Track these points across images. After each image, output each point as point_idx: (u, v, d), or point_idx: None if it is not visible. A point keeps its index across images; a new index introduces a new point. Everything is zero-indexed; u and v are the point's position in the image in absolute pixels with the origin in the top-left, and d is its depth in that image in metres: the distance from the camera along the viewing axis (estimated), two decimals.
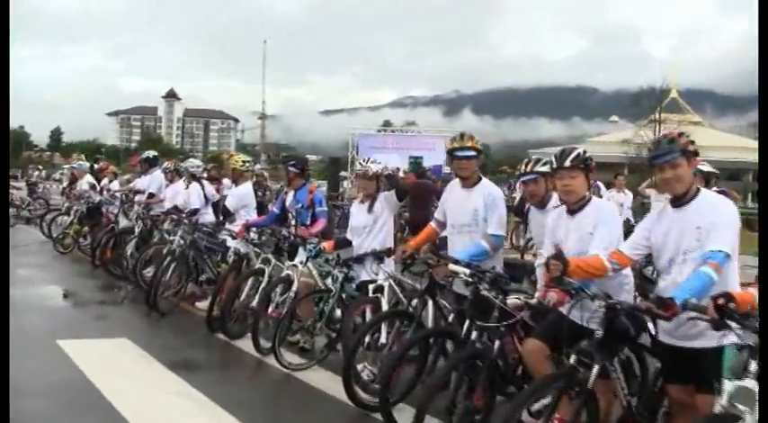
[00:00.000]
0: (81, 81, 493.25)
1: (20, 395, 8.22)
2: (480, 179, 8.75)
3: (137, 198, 18.22)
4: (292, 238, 11.10)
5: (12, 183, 43.43)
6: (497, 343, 7.03)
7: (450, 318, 8.34)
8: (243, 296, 11.38)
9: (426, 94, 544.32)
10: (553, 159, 7.07)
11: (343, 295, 10.05)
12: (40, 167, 52.55)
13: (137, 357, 10.45)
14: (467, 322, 7.42)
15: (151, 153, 19.35)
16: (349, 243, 10.26)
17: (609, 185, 23.33)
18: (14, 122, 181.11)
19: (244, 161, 13.92)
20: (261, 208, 17.06)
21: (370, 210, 9.95)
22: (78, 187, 22.73)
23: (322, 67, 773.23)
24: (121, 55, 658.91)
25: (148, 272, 15.00)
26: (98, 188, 21.51)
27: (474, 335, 7.31)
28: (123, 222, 18.30)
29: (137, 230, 16.71)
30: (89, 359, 10.03)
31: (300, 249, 10.80)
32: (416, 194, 18.56)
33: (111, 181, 21.92)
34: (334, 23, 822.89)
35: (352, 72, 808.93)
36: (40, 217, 26.31)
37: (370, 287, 9.50)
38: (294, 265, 10.67)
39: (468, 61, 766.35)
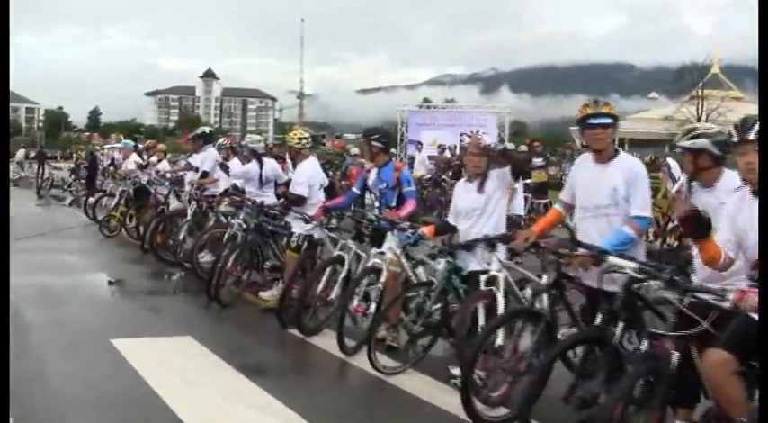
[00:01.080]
0: (118, 62, 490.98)
1: (72, 408, 7.21)
2: (617, 152, 7.29)
3: (188, 177, 16.92)
4: (379, 222, 9.74)
5: (54, 164, 42.85)
6: (676, 355, 5.58)
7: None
8: (320, 288, 10.06)
9: (464, 73, 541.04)
10: (733, 131, 5.64)
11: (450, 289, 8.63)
12: (81, 147, 51.54)
13: (203, 359, 9.13)
14: (619, 326, 6.00)
15: (206, 129, 17.99)
16: (452, 228, 8.82)
17: (650, 165, 21.93)
18: (53, 103, 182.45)
19: (300, 137, 12.22)
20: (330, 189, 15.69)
21: (480, 190, 8.43)
22: (124, 167, 21.54)
23: (357, 46, 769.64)
24: (158, 35, 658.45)
25: (204, 258, 13.95)
26: (145, 168, 20.27)
27: (627, 341, 6.00)
28: (174, 204, 17.01)
29: (189, 213, 15.43)
30: (149, 362, 8.74)
31: (389, 235, 9.48)
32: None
33: (159, 160, 20.58)
34: (368, 3, 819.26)
35: (388, 51, 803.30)
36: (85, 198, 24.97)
37: (482, 278, 8.04)
38: (381, 253, 9.37)
39: (505, 39, 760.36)
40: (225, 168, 14.55)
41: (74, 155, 45.64)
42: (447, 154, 31.44)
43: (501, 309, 7.79)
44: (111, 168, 25.41)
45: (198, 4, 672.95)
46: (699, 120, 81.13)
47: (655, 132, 77.98)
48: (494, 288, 7.90)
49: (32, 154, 47.63)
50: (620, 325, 5.96)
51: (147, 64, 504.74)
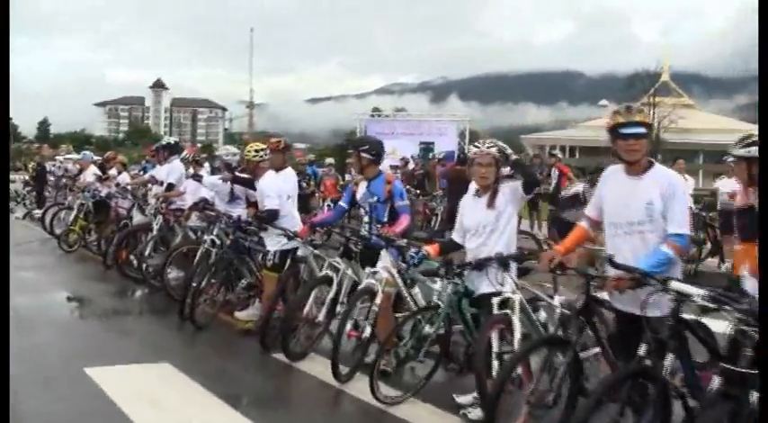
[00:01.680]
0: (66, 72, 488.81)
1: None
2: (652, 164, 6.60)
3: (152, 190, 16.22)
4: (371, 239, 9.14)
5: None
6: (755, 395, 4.95)
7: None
8: (306, 309, 9.45)
9: (413, 81, 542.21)
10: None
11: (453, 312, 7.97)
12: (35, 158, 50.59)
13: (184, 388, 8.46)
14: (668, 358, 5.42)
15: (171, 139, 17.21)
16: (458, 246, 8.19)
17: (597, 172, 21.57)
18: None
19: (257, 149, 11.52)
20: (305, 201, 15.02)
21: (490, 204, 7.79)
22: (82, 179, 20.71)
23: (308, 55, 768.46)
24: (106, 46, 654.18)
25: (171, 274, 13.22)
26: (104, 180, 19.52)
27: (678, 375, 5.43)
28: (137, 218, 16.27)
29: (155, 227, 14.72)
30: (128, 393, 8.09)
31: (383, 253, 8.89)
32: (457, 183, 16.58)
33: (119, 172, 19.80)
34: (319, 11, 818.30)
35: (339, 60, 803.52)
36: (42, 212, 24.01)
37: (494, 301, 7.45)
38: (374, 273, 8.78)
39: (455, 47, 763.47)
40: (198, 178, 13.83)
41: (28, 166, 44.58)
42: (411, 165, 30.89)
43: (518, 334, 7.24)
44: (69, 181, 24.59)
45: (146, 15, 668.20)
46: (650, 127, 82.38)
47: (605, 140, 78.47)
48: (509, 312, 7.32)
49: None
50: (670, 356, 5.40)
51: (96, 75, 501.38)
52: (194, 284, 11.08)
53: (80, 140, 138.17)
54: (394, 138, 40.67)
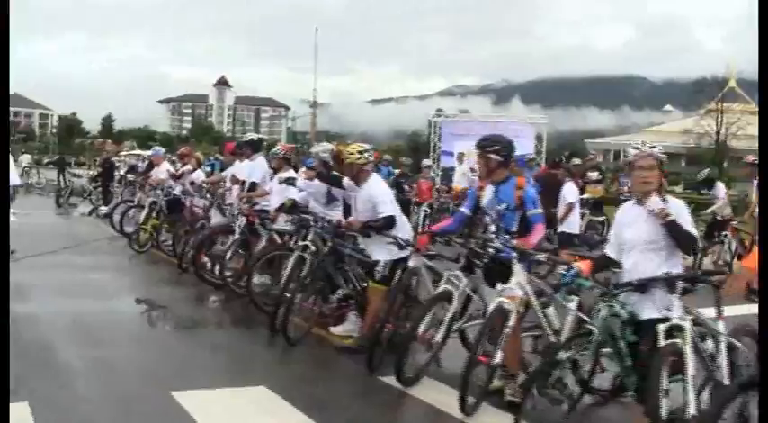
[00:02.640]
0: (129, 70, 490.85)
1: None
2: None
3: (233, 190, 15.16)
4: (505, 251, 7.91)
5: (74, 170, 41.37)
6: None
7: None
8: (422, 328, 8.23)
9: (476, 84, 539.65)
10: None
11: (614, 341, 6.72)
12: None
13: (289, 419, 7.34)
14: None
15: (255, 135, 16.04)
16: (613, 263, 6.96)
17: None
18: (66, 110, 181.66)
19: (361, 151, 10.10)
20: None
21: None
22: (154, 175, 19.71)
23: (368, 56, 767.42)
24: (167, 44, 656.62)
25: (255, 281, 12.04)
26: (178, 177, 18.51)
27: None
28: (216, 219, 15.20)
29: (237, 230, 13.54)
30: None
31: (517, 268, 7.69)
32: (546, 185, 15.40)
33: (193, 169, 18.67)
34: (379, 14, 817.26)
35: (399, 62, 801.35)
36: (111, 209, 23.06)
37: (660, 329, 6.22)
38: (505, 291, 7.57)
39: (516, 51, 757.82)
40: (292, 182, 12.66)
41: (96, 161, 44.14)
42: None
43: (691, 369, 6.01)
44: (139, 177, 23.69)
45: (207, 14, 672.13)
46: (718, 134, 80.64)
47: (672, 146, 77.00)
48: (679, 341, 6.11)
49: (45, 160, 46.14)
50: None
51: (159, 72, 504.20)
52: (288, 295, 9.96)
53: (143, 137, 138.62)
54: (469, 140, 39.24)
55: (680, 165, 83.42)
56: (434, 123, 43.93)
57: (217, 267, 13.95)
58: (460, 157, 30.24)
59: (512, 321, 7.42)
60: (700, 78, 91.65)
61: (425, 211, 23.27)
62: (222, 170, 19.73)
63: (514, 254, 7.77)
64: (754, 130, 75.20)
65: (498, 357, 7.35)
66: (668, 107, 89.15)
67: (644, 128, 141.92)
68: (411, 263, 9.22)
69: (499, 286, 7.69)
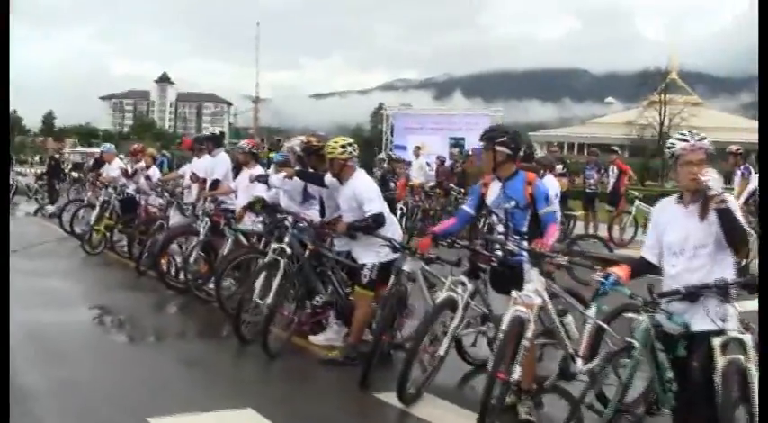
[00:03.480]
0: (70, 65, 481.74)
1: None
2: None
3: (192, 188, 14.34)
4: (522, 254, 7.15)
5: (18, 169, 40.22)
6: None
7: None
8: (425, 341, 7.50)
9: (417, 77, 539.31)
10: None
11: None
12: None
13: None
14: None
15: (216, 130, 15.13)
16: (653, 268, 6.18)
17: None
18: None
19: (344, 144, 9.23)
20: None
21: (703, 215, 5.77)
22: (106, 173, 18.74)
23: (313, 50, 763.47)
24: (110, 38, 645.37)
25: (229, 287, 11.50)
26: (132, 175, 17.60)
27: None
28: (175, 219, 14.27)
29: (202, 231, 12.68)
30: None
31: (534, 273, 6.95)
32: None
33: (148, 166, 17.75)
34: (322, 6, 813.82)
35: (343, 55, 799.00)
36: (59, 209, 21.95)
37: (715, 343, 5.50)
38: (524, 297, 6.81)
39: (457, 43, 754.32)
40: (264, 180, 11.81)
41: (32, 159, 43.04)
42: (447, 164, 29.00)
43: (755, 389, 5.30)
44: (90, 175, 22.68)
45: (148, 7, 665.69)
46: (662, 125, 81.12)
47: (615, 137, 77.46)
48: (742, 358, 5.39)
49: None
50: None
51: (100, 67, 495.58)
52: (269, 306, 9.13)
53: (85, 134, 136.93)
54: (423, 133, 38.65)
55: (623, 156, 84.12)
56: (386, 117, 43.20)
57: (177, 270, 13.35)
58: (417, 150, 29.50)
59: (530, 332, 6.68)
60: (642, 70, 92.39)
61: (401, 208, 22.30)
62: (171, 167, 18.88)
63: (525, 257, 7.06)
64: (697, 121, 76.00)
65: (517, 373, 6.60)
66: (610, 99, 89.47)
67: (586, 120, 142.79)
68: (406, 267, 8.40)
69: (514, 293, 6.91)
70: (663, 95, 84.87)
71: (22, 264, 14.94)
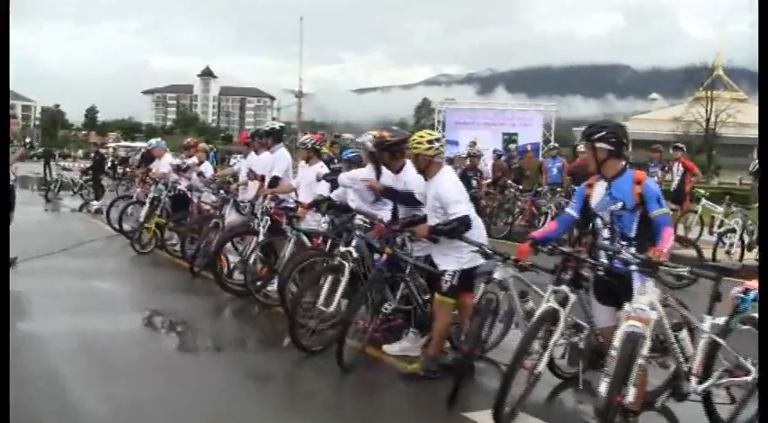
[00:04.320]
0: (112, 60, 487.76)
1: None
2: None
3: (249, 185, 13.69)
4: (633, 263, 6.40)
5: (63, 163, 39.92)
6: None
7: None
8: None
9: (460, 73, 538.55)
10: None
11: None
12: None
13: None
14: None
15: (276, 124, 14.24)
16: None
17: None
18: (50, 101, 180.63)
19: (431, 140, 8.42)
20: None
21: None
22: (156, 169, 18.10)
23: (353, 45, 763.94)
24: (152, 33, 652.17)
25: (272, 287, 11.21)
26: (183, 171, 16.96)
27: None
28: (231, 217, 13.64)
29: (262, 231, 12.01)
30: None
31: (649, 284, 6.21)
32: (586, 177, 13.81)
33: (200, 162, 17.07)
34: (365, 2, 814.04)
35: (384, 50, 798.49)
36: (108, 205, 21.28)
37: None
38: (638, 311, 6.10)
39: (501, 40, 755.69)
40: (331, 177, 11.16)
41: (89, 154, 42.63)
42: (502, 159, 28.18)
43: None
44: (140, 170, 22.06)
45: (189, 2, 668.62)
46: (708, 121, 79.98)
47: (661, 133, 76.26)
48: None
49: (30, 152, 44.66)
50: None
51: (142, 62, 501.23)
52: (345, 316, 8.45)
53: (128, 128, 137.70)
54: (474, 128, 37.97)
55: (668, 153, 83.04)
56: (437, 111, 42.57)
57: (230, 271, 12.86)
58: (472, 146, 28.67)
59: (645, 350, 5.95)
60: (687, 66, 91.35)
61: None
62: (216, 162, 18.24)
63: (633, 266, 6.34)
64: (743, 117, 74.99)
65: (631, 395, 5.88)
66: (654, 95, 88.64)
67: (629, 116, 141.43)
68: (497, 275, 7.65)
69: (626, 307, 6.16)
70: (710, 91, 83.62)
71: (69, 263, 14.48)
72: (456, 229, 8.01)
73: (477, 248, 7.79)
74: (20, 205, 13.96)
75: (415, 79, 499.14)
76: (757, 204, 17.10)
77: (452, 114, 41.27)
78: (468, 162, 23.35)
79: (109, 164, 34.46)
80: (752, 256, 16.68)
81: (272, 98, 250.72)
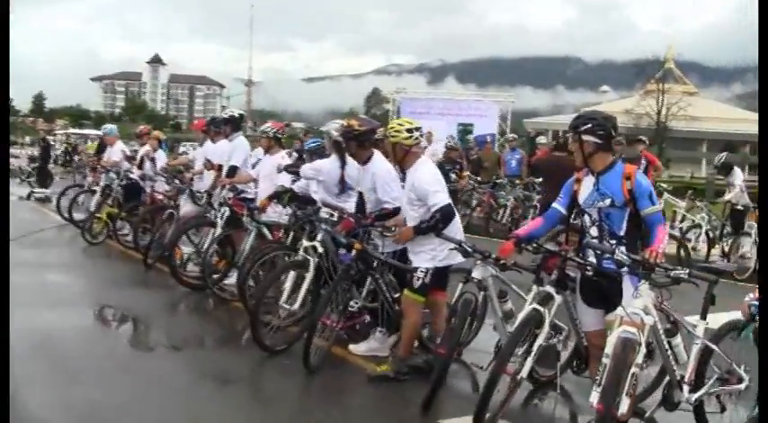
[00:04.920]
0: (60, 45, 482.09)
1: None
2: None
3: (206, 175, 13.30)
4: (626, 264, 6.02)
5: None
6: None
7: None
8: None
9: (411, 62, 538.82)
10: None
11: None
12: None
13: None
14: None
15: (235, 111, 13.71)
16: None
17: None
18: None
19: (410, 129, 7.96)
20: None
21: None
22: (107, 157, 17.57)
23: (306, 33, 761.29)
24: (102, 19, 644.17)
25: (231, 279, 10.98)
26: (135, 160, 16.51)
27: None
28: (186, 208, 13.18)
29: (220, 223, 11.57)
30: None
31: (644, 287, 5.86)
32: (551, 171, 13.57)
33: (154, 150, 16.52)
34: None
35: (337, 38, 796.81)
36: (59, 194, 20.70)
37: None
38: (632, 315, 5.73)
39: (451, 30, 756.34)
40: (293, 170, 10.78)
41: (35, 141, 42.02)
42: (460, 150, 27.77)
43: None
44: (90, 158, 21.53)
45: None
46: (659, 114, 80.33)
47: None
48: None
49: None
50: None
51: (92, 48, 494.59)
52: (315, 314, 7.99)
53: (76, 115, 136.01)
54: (430, 118, 37.55)
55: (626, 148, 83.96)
56: (394, 101, 42.22)
57: (185, 264, 12.35)
58: (429, 136, 28.24)
59: (640, 357, 5.59)
60: (637, 59, 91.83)
61: None
62: (169, 150, 17.75)
63: (624, 268, 5.99)
64: (693, 111, 75.30)
65: (625, 406, 5.52)
66: (605, 87, 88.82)
67: (580, 107, 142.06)
68: (476, 274, 7.27)
69: (619, 311, 5.80)
70: (661, 84, 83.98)
71: (18, 254, 13.81)
72: (439, 223, 7.58)
73: (455, 246, 7.39)
74: None
75: (365, 69, 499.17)
76: (721, 199, 16.97)
77: (407, 104, 40.93)
78: (442, 155, 22.90)
79: (60, 152, 33.70)
80: (716, 252, 16.51)
81: (222, 86, 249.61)
